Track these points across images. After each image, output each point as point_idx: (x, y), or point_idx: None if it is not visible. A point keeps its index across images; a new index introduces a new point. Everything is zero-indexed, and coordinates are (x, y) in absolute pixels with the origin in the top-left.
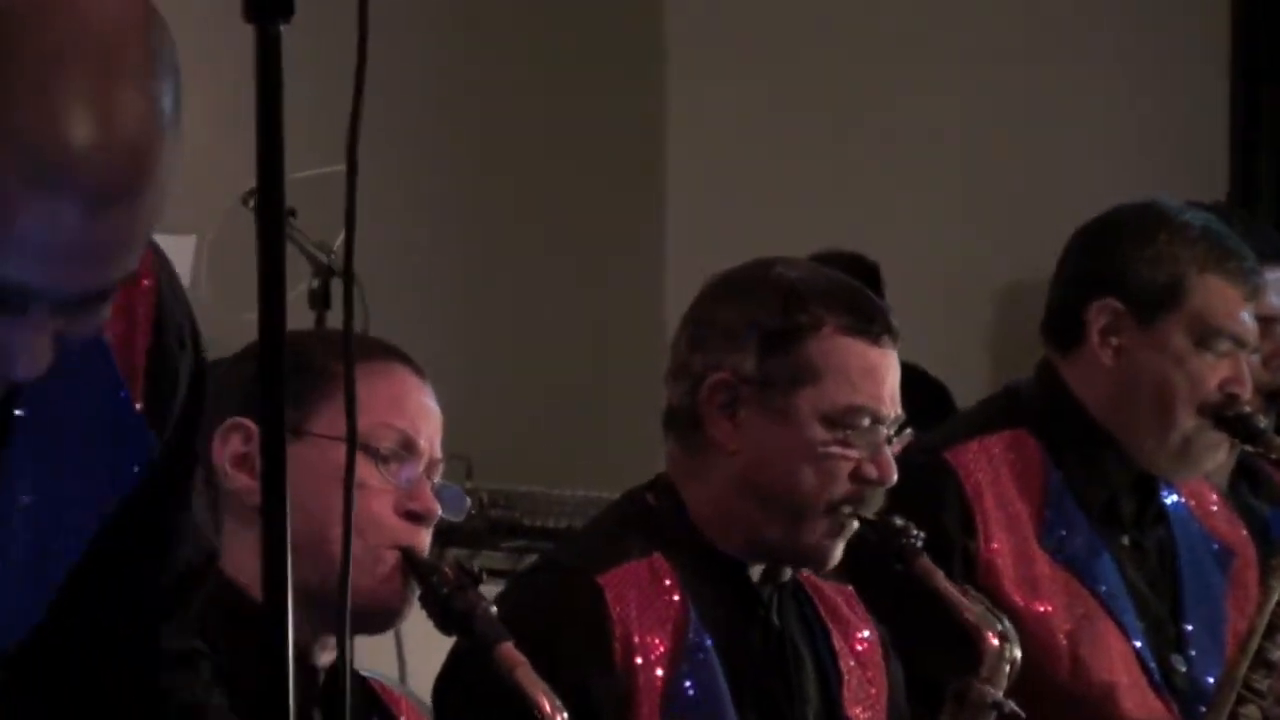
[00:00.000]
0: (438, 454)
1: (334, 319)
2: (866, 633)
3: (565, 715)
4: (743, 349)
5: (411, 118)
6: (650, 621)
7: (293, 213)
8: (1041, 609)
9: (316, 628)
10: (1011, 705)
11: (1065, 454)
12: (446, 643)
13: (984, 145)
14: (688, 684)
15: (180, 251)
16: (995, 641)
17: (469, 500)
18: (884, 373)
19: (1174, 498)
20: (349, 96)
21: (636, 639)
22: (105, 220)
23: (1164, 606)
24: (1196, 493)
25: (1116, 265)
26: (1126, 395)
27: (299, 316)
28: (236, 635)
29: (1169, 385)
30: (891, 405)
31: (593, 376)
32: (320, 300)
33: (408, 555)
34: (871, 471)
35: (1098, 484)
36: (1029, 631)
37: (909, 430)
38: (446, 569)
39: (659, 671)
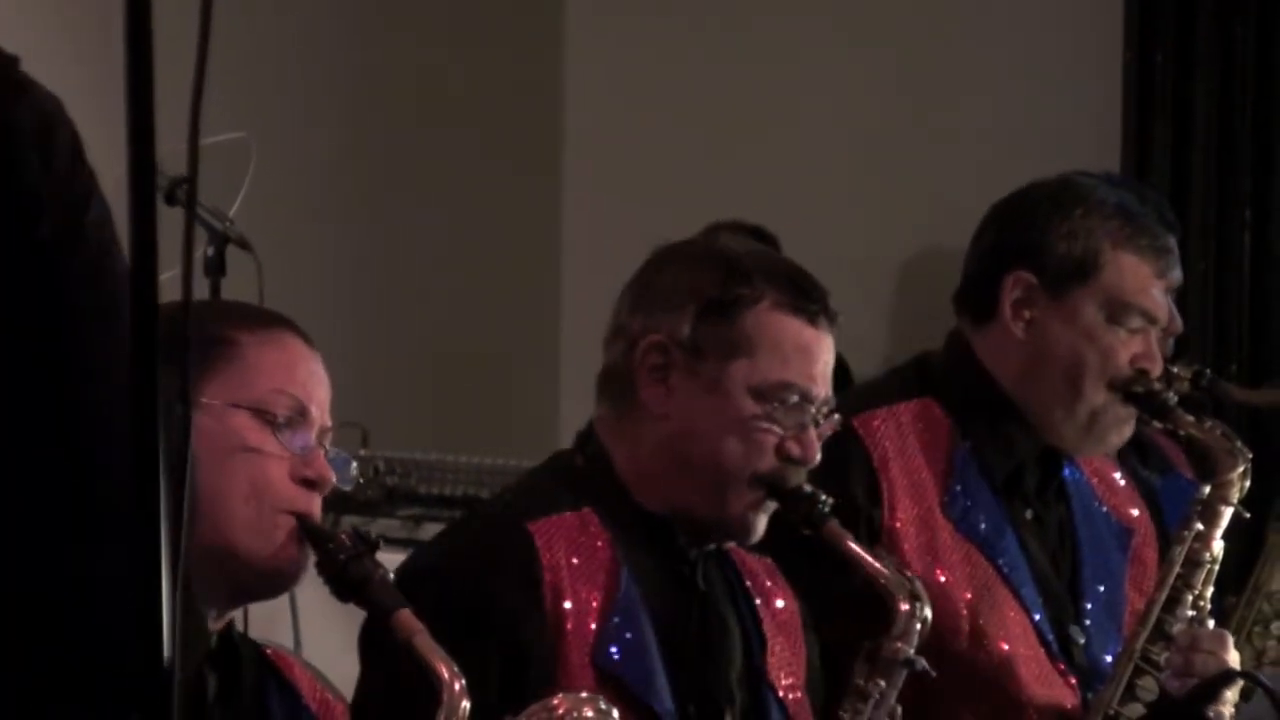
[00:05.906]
0: (328, 422)
1: (229, 287)
2: (785, 603)
3: (463, 682)
4: (680, 314)
5: (304, 85)
6: (580, 571)
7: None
8: (942, 578)
9: (209, 593)
10: (922, 662)
11: (973, 425)
12: (341, 610)
13: (882, 117)
14: (619, 634)
15: None
16: (905, 603)
17: (356, 467)
18: (817, 352)
19: (1074, 473)
20: (247, 64)
21: (567, 586)
22: None
23: (1063, 582)
24: (1100, 471)
25: (1032, 238)
26: (1037, 368)
27: (195, 285)
28: None
29: (1079, 359)
30: (822, 385)
31: (488, 344)
32: (216, 268)
33: (303, 522)
34: (794, 449)
35: (1004, 456)
36: (929, 601)
37: (838, 416)
38: (343, 535)
39: (589, 621)
